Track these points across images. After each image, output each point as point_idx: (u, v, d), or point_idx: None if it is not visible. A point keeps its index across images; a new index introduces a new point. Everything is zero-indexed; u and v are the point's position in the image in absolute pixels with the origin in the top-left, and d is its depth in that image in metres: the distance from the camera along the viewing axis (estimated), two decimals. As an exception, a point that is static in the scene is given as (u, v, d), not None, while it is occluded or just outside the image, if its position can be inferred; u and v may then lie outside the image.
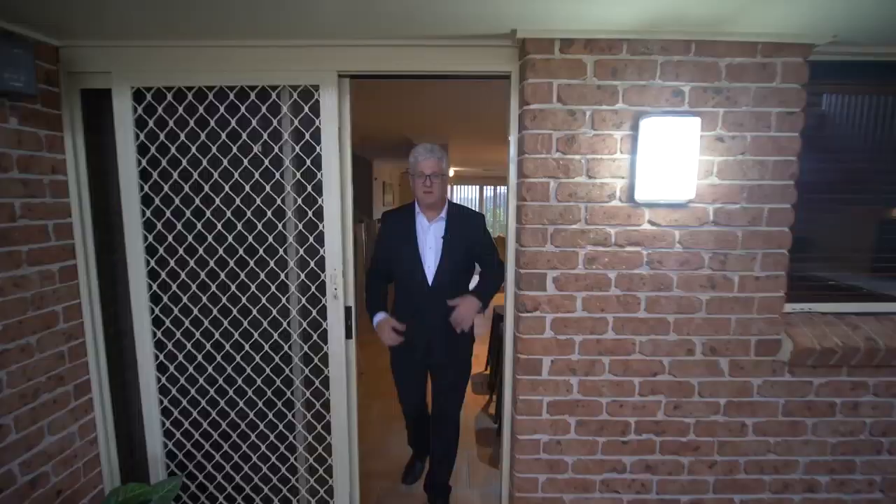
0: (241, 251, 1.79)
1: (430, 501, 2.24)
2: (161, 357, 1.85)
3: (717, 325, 1.65)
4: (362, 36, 1.58)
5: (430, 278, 1.97)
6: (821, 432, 1.73)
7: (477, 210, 2.43)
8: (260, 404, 1.88)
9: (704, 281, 1.62)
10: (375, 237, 2.08)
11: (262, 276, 1.80)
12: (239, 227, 1.77)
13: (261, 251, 1.79)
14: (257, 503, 1.94)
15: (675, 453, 1.72)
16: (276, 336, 1.83)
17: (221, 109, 1.70)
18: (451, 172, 7.84)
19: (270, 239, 1.78)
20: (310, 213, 1.76)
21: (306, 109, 1.69)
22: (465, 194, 12.60)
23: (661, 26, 1.45)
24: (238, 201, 1.76)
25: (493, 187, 12.58)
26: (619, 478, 1.73)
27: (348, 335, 1.80)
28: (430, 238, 1.98)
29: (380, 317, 2.01)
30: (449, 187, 8.97)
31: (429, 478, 2.28)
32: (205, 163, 1.74)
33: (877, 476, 1.78)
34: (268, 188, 1.75)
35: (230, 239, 1.78)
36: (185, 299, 1.82)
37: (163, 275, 1.80)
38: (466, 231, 2.01)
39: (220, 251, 1.79)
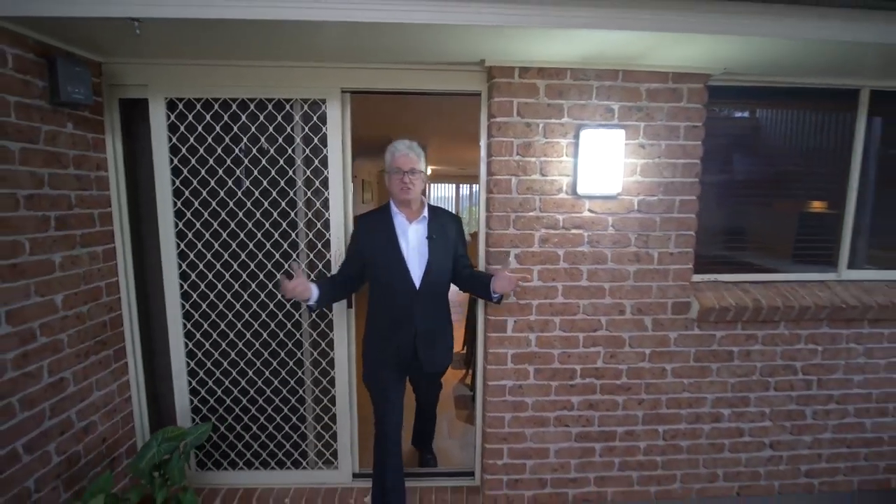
0: (259, 235, 2.14)
1: (418, 450, 2.64)
2: (189, 326, 2.18)
3: (642, 291, 2.11)
4: (362, 60, 1.96)
5: (416, 281, 1.86)
6: (723, 374, 2.23)
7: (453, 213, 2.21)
8: (274, 364, 2.23)
9: (632, 256, 2.08)
10: (350, 239, 2.01)
11: (277, 256, 2.16)
12: (258, 215, 2.13)
13: (276, 235, 2.15)
14: (271, 449, 2.30)
15: (612, 393, 2.18)
16: (288, 306, 2.19)
17: (243, 117, 2.05)
18: (429, 171, 8.22)
19: (284, 225, 2.14)
20: (317, 204, 2.13)
21: (315, 118, 2.06)
22: (442, 192, 12.99)
23: (595, 60, 1.89)
24: (257, 193, 2.11)
25: (468, 185, 13.03)
26: (568, 414, 2.18)
27: (349, 305, 2.18)
28: (413, 238, 1.89)
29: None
30: (427, 186, 9.29)
31: (416, 435, 2.64)
32: (228, 161, 2.08)
33: (766, 408, 2.28)
34: (282, 183, 2.11)
35: (250, 225, 2.14)
36: (210, 276, 2.16)
37: (191, 255, 2.14)
38: (449, 233, 1.95)
39: (241, 235, 2.14)
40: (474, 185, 12.83)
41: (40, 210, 1.69)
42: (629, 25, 1.56)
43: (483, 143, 2.10)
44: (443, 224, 1.95)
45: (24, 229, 1.62)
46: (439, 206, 2.04)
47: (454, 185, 13.07)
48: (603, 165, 1.95)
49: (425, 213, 1.93)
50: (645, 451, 2.25)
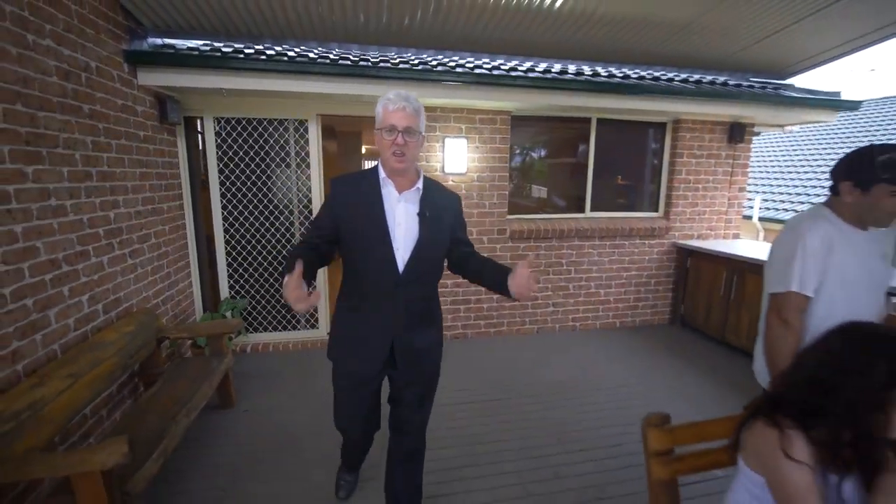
0: (266, 200, 3.78)
1: None
2: (227, 247, 3.79)
3: (481, 223, 4.05)
4: (330, 101, 3.64)
5: (400, 265, 1.54)
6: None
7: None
8: (281, 269, 3.92)
9: (475, 205, 4.02)
10: (323, 207, 1.63)
11: (280, 208, 3.82)
12: (269, 183, 3.76)
13: (278, 197, 3.80)
14: (278, 319, 4.00)
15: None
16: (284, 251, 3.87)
17: (259, 129, 3.66)
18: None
19: (283, 191, 3.80)
20: (304, 178, 3.81)
21: (301, 131, 3.72)
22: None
23: (452, 105, 3.74)
24: (264, 178, 3.74)
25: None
26: (445, 290, 4.10)
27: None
28: (401, 214, 1.55)
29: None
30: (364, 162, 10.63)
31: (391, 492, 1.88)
32: (252, 153, 3.69)
33: (549, 285, 4.37)
34: (283, 166, 3.76)
35: (264, 189, 3.76)
36: (241, 219, 3.77)
37: (229, 206, 3.74)
38: (446, 209, 1.63)
39: (259, 195, 3.76)
40: (403, 163, 14.30)
41: (160, 180, 3.23)
42: (465, 97, 3.42)
43: (396, 144, 3.88)
44: (438, 200, 1.63)
45: (157, 190, 3.17)
46: (436, 180, 1.76)
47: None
48: (457, 157, 3.83)
49: (420, 184, 1.59)
50: (486, 310, 4.25)
